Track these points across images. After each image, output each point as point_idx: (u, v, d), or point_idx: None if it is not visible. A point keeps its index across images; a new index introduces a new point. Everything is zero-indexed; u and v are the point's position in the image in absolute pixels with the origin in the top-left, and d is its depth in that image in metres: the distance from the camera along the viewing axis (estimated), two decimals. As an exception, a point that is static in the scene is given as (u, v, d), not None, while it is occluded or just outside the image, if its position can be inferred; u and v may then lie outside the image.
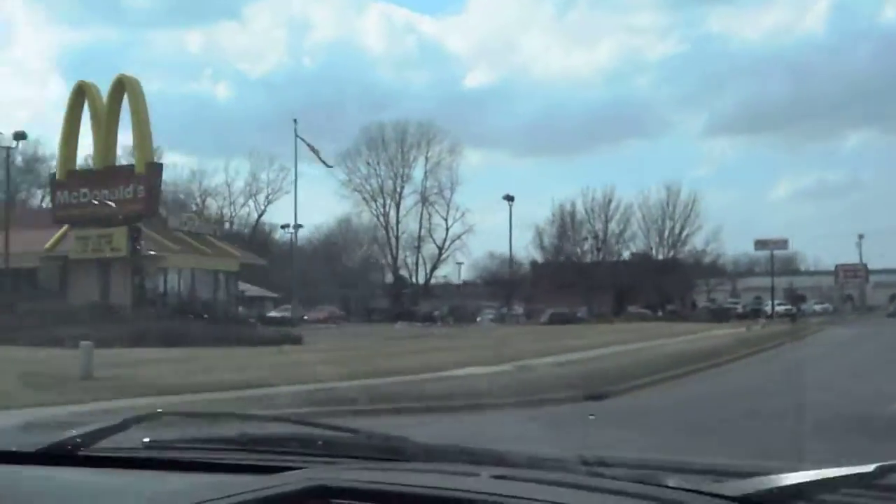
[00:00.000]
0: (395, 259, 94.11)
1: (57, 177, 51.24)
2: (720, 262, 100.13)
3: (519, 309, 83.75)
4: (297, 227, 78.02)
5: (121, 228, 47.16)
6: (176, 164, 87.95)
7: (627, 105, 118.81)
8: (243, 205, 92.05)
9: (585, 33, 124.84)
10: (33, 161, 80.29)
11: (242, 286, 65.90)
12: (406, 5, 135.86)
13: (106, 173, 48.33)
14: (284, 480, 1.97)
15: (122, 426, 2.44)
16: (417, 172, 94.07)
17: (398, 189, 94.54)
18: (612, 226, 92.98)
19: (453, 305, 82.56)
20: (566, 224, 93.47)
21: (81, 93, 50.35)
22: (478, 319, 75.10)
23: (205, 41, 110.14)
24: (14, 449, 2.43)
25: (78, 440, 2.34)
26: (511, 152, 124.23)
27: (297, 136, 65.41)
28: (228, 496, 1.78)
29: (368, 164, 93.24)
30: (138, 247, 46.88)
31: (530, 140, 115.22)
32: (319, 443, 2.39)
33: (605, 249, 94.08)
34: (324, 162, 66.32)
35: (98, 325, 31.72)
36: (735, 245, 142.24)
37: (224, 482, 2.12)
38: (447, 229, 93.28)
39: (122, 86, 48.55)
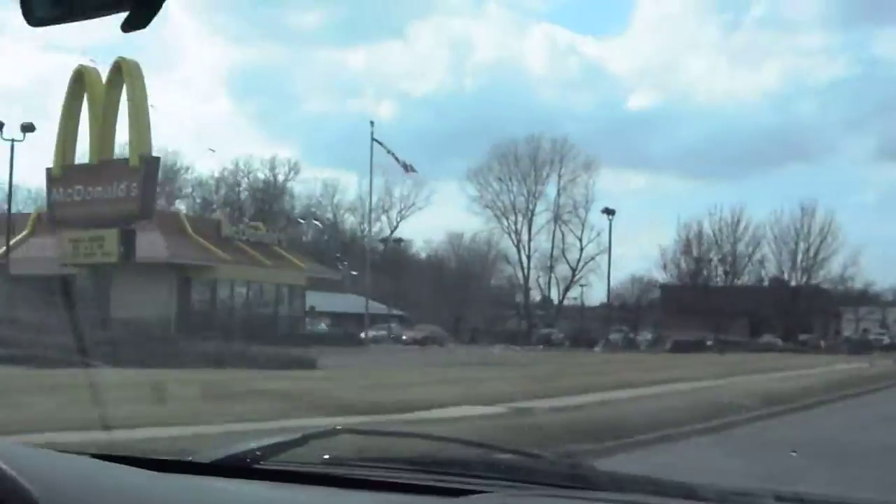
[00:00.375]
0: (526, 279, 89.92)
1: (53, 172, 44.04)
2: (871, 291, 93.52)
3: (648, 334, 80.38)
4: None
5: (111, 231, 41.06)
6: (338, 180, 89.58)
7: (792, 128, 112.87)
8: (377, 220, 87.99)
9: (751, 54, 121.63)
10: (172, 171, 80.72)
11: (344, 301, 65.03)
12: (568, 26, 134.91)
13: (100, 168, 41.92)
14: (475, 503, 1.94)
15: (301, 441, 2.41)
16: (550, 189, 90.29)
17: (530, 207, 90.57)
18: (741, 247, 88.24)
19: (575, 329, 79.34)
20: (690, 245, 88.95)
21: (81, 79, 43.41)
22: (597, 346, 71.00)
23: (368, 60, 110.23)
24: (190, 459, 2.42)
25: (257, 453, 2.32)
26: (673, 175, 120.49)
27: (373, 139, 59.13)
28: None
29: (500, 179, 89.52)
30: (130, 253, 41.12)
31: (692, 163, 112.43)
32: (502, 466, 2.35)
33: (732, 272, 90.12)
34: (405, 166, 63.36)
35: (135, 343, 29.07)
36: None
37: (409, 502, 2.09)
38: (581, 249, 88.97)
39: (121, 71, 41.32)
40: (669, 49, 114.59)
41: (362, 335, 59.81)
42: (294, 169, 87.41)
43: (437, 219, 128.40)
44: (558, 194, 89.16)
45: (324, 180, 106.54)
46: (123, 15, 1.60)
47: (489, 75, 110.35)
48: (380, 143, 60.18)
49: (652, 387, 24.90)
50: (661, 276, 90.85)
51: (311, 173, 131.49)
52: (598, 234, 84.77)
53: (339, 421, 15.91)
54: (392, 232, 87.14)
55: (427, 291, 72.64)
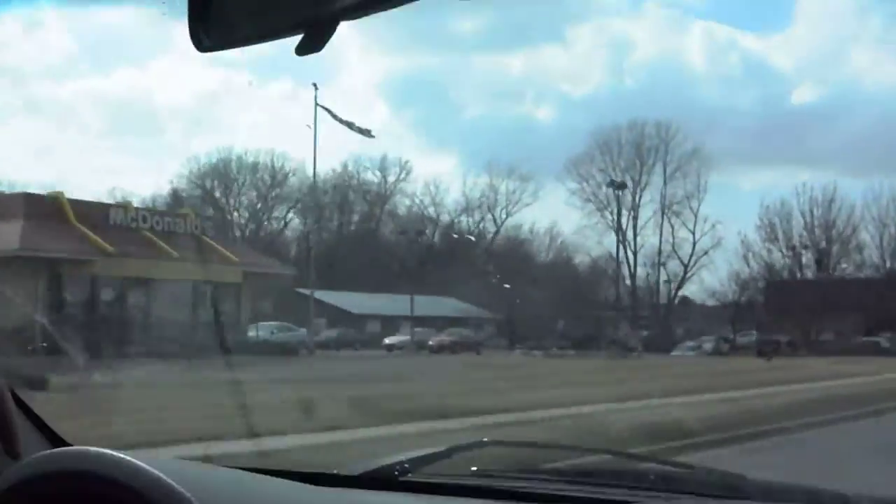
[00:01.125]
0: (633, 276, 79.55)
1: None
2: None
3: (749, 336, 69.09)
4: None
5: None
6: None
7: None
8: (482, 219, 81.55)
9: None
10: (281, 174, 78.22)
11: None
12: (729, 23, 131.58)
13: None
14: None
15: (447, 453, 2.43)
16: (656, 179, 79.50)
17: (636, 198, 79.99)
18: (834, 233, 74.82)
19: (654, 332, 70.22)
20: (775, 230, 75.51)
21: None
22: (676, 350, 63.26)
23: (527, 64, 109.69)
24: (336, 472, 2.45)
25: (404, 465, 2.34)
26: (839, 170, 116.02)
27: (317, 104, 49.71)
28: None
29: (602, 170, 79.17)
30: None
31: (858, 159, 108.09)
32: (652, 477, 2.32)
33: (827, 261, 77.01)
34: (361, 131, 55.29)
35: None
36: None
37: None
38: (694, 243, 77.00)
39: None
40: (833, 42, 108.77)
41: (386, 340, 55.35)
42: (405, 169, 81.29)
43: (549, 216, 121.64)
44: (665, 184, 78.21)
45: (426, 179, 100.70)
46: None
47: (648, 75, 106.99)
48: (326, 110, 51.35)
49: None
50: (744, 270, 77.28)
51: (470, 179, 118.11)
52: (713, 227, 75.40)
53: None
54: (497, 231, 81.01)
55: (521, 293, 67.61)
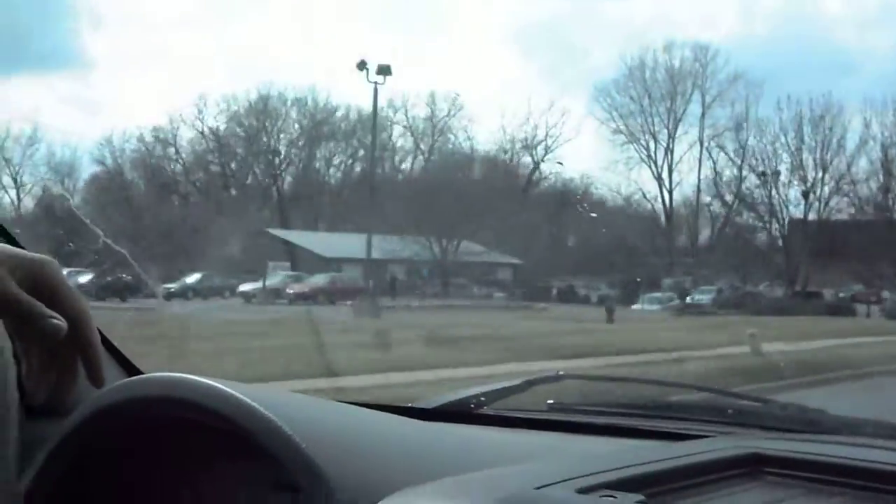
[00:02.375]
0: (669, 217, 69.50)
1: None
2: None
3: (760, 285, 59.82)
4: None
5: None
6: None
7: None
8: (523, 155, 73.43)
9: None
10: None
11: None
12: None
13: None
14: (711, 447, 1.89)
15: (523, 387, 2.44)
16: (694, 108, 69.34)
17: (671, 129, 69.35)
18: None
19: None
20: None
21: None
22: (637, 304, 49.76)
23: (654, 8, 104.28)
24: (411, 405, 2.47)
25: (482, 398, 2.36)
26: None
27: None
28: (651, 461, 1.72)
29: (632, 98, 69.65)
30: None
31: None
32: (730, 411, 2.30)
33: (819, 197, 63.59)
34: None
35: None
36: None
37: (642, 447, 2.07)
38: (740, 178, 65.87)
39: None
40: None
41: (241, 287, 44.86)
42: (456, 105, 73.50)
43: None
44: (703, 114, 67.86)
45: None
46: None
47: (782, 21, 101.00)
48: None
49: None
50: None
51: (592, 124, 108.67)
52: (763, 161, 64.20)
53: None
54: (536, 167, 72.69)
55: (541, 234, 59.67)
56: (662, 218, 70.82)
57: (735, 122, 67.71)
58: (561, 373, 2.59)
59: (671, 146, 69.99)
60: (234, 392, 1.62)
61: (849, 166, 63.29)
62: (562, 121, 77.95)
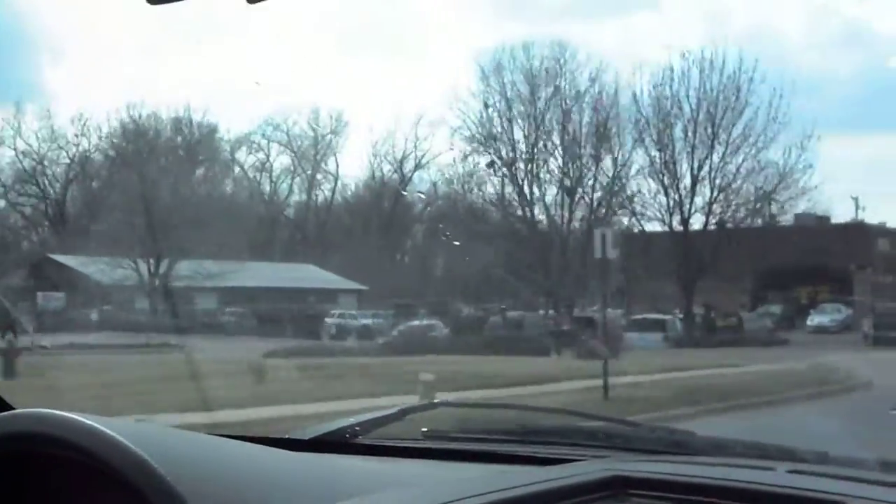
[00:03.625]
0: (531, 231, 56.25)
1: None
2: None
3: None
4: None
5: None
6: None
7: None
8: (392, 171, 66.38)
9: None
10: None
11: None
12: None
13: None
14: (578, 470, 1.92)
15: (399, 415, 2.44)
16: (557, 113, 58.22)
17: (529, 135, 58.36)
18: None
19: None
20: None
21: None
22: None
23: (621, 34, 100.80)
24: (288, 436, 2.45)
25: (356, 428, 2.35)
26: None
27: None
28: (519, 486, 1.74)
29: (486, 103, 57.30)
30: None
31: None
32: (601, 435, 2.34)
33: None
34: None
35: None
36: None
37: (512, 472, 2.09)
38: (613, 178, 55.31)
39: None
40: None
41: None
42: (338, 121, 65.20)
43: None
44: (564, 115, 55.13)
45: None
46: None
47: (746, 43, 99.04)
48: None
49: None
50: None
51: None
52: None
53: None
54: (403, 186, 64.17)
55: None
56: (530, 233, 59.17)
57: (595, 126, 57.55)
58: (436, 400, 2.60)
59: (533, 153, 59.46)
60: (98, 426, 1.59)
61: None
62: (431, 133, 66.29)
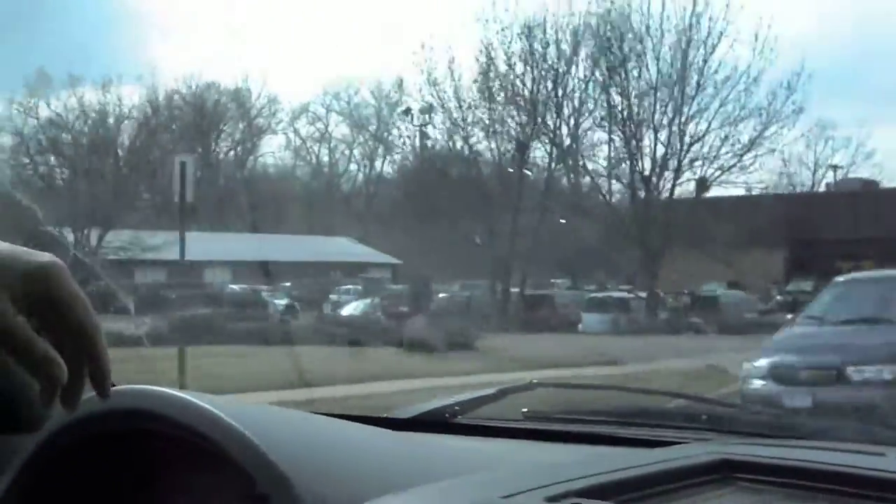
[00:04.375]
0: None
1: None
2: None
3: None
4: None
5: None
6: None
7: None
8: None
9: None
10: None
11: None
12: None
13: None
14: (683, 453, 1.89)
15: (498, 396, 2.44)
16: None
17: None
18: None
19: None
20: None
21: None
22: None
23: None
24: (386, 415, 2.47)
25: (456, 408, 2.36)
26: None
27: None
28: (623, 468, 1.72)
29: None
30: None
31: None
32: (704, 417, 2.31)
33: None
34: None
35: None
36: None
37: (614, 454, 2.07)
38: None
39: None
40: None
41: None
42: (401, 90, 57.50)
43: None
44: None
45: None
46: None
47: None
48: None
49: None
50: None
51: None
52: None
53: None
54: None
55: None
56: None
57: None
58: (535, 381, 2.59)
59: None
60: (202, 403, 1.62)
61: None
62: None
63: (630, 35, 43.69)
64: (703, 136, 43.57)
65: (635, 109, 44.00)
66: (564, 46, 44.35)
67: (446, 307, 38.44)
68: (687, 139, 43.52)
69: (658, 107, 43.56)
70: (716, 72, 42.99)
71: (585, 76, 45.65)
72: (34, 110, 49.22)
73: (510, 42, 43.92)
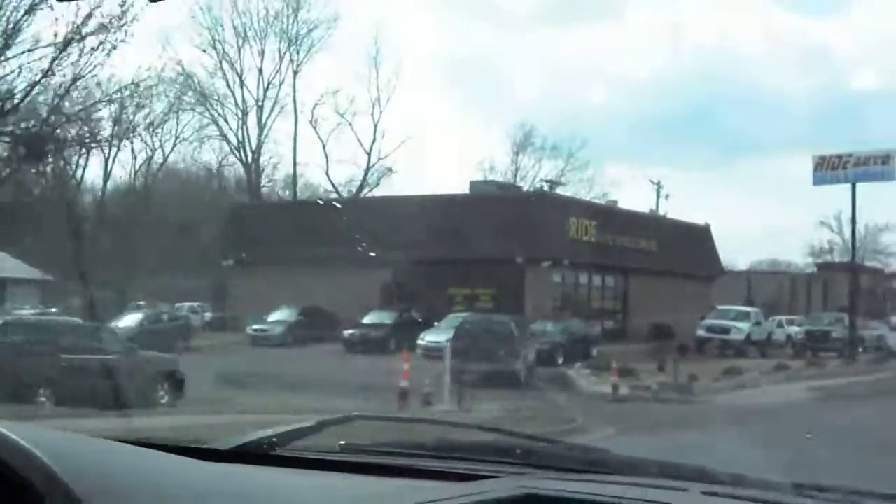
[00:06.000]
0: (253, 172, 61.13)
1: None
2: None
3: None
4: None
5: None
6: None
7: None
8: None
9: None
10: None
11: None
12: (785, 6, 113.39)
13: None
14: (493, 487, 1.93)
15: (317, 428, 2.43)
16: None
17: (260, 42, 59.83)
18: None
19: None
20: None
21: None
22: None
23: (583, 42, 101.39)
24: (207, 446, 2.43)
25: (273, 440, 2.34)
26: None
27: None
28: (434, 501, 1.75)
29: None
30: None
31: None
32: (518, 451, 2.35)
33: None
34: None
35: None
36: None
37: (428, 487, 2.09)
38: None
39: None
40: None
41: None
42: None
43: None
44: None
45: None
46: None
47: (706, 59, 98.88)
48: None
49: None
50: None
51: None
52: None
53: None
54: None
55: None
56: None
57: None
58: (354, 413, 2.60)
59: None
60: (7, 434, 1.57)
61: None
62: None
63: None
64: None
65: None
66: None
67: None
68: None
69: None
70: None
71: None
72: None
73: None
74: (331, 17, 60.62)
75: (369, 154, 61.14)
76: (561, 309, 40.58)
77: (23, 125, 34.45)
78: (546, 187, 58.53)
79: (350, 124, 60.43)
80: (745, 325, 41.73)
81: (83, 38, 31.50)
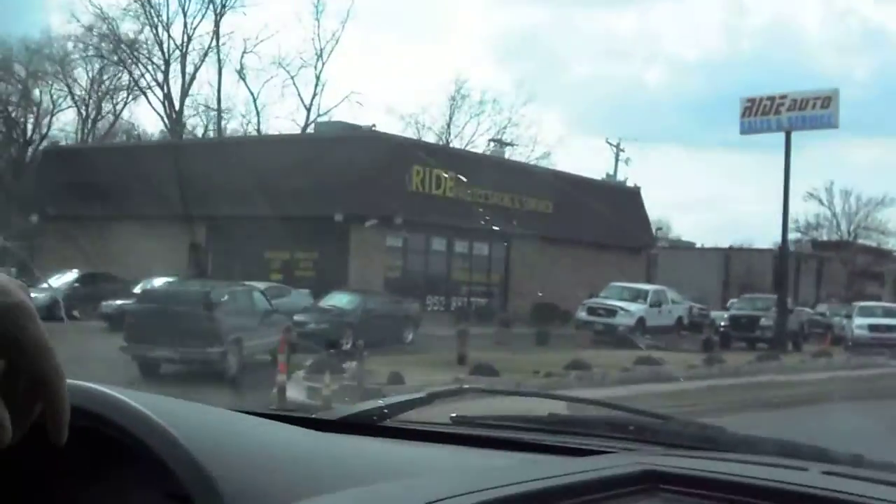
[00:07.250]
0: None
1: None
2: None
3: None
4: None
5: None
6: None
7: None
8: None
9: None
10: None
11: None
12: None
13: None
14: (609, 463, 1.90)
15: (427, 399, 2.43)
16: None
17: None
18: None
19: None
20: None
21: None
22: None
23: (639, 22, 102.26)
24: (314, 416, 2.44)
25: (385, 410, 2.34)
26: None
27: None
28: (550, 476, 1.72)
29: None
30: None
31: None
32: (631, 427, 2.32)
33: None
34: None
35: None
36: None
37: (541, 462, 2.07)
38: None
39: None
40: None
41: None
42: None
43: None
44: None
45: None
46: None
47: (763, 38, 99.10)
48: None
49: None
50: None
51: (579, 140, 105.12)
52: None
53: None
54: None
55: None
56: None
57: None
58: (465, 386, 2.58)
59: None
60: (127, 400, 1.59)
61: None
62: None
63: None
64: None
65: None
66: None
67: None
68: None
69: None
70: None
71: None
72: None
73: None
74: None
75: (308, 109, 58.91)
76: (402, 280, 33.79)
77: None
78: (492, 147, 53.67)
79: (292, 78, 58.33)
80: (636, 308, 33.78)
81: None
